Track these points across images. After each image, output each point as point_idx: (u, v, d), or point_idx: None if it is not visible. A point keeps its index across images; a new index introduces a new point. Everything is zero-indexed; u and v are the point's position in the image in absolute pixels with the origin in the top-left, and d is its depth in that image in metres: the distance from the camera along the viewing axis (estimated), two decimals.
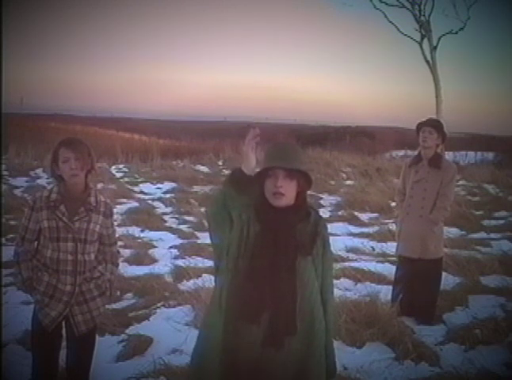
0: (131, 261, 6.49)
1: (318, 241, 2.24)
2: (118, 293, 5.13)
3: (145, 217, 9.25)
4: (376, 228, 8.54)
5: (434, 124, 4.65)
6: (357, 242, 7.53)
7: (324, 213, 10.06)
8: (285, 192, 2.14)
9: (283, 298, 2.15)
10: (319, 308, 2.24)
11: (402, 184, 4.83)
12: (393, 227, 7.83)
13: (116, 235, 3.31)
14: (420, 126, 4.63)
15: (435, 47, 19.40)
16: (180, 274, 5.78)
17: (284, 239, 2.16)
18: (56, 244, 2.86)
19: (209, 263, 6.25)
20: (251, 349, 2.14)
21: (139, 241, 7.62)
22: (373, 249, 7.15)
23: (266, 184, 2.16)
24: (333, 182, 14.04)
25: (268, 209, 2.16)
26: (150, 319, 4.61)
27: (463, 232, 8.38)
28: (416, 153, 4.92)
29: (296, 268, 2.17)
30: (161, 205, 10.88)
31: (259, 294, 2.13)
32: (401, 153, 23.42)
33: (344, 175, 15.33)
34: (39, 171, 15.18)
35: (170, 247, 7.30)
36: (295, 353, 2.17)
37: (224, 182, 2.23)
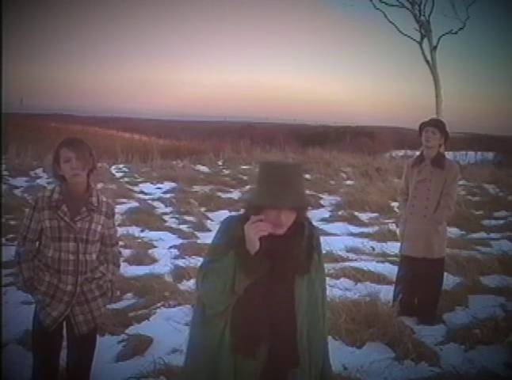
0: (131, 261, 6.50)
1: (314, 255, 2.07)
2: (118, 293, 5.13)
3: (145, 217, 9.25)
4: (376, 228, 8.53)
5: (437, 124, 4.67)
6: (357, 242, 7.53)
7: (324, 213, 10.08)
8: (286, 223, 1.96)
9: (282, 325, 1.96)
10: (315, 330, 2.06)
11: (404, 184, 4.84)
12: (393, 227, 7.85)
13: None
14: (423, 126, 4.64)
15: (435, 47, 19.41)
16: (180, 274, 5.78)
17: (282, 263, 1.97)
18: (58, 244, 2.86)
19: None
20: None
21: (139, 241, 7.62)
22: (373, 249, 7.15)
23: (266, 213, 1.93)
24: (333, 182, 14.04)
25: (264, 235, 1.94)
26: (150, 319, 4.61)
27: (463, 232, 8.38)
28: (418, 153, 4.93)
29: (295, 291, 1.99)
30: (161, 205, 10.88)
31: (254, 324, 1.94)
32: (401, 153, 23.46)
33: (344, 175, 15.32)
34: (39, 171, 15.18)
35: (170, 247, 7.31)
36: None
37: (229, 263, 1.91)
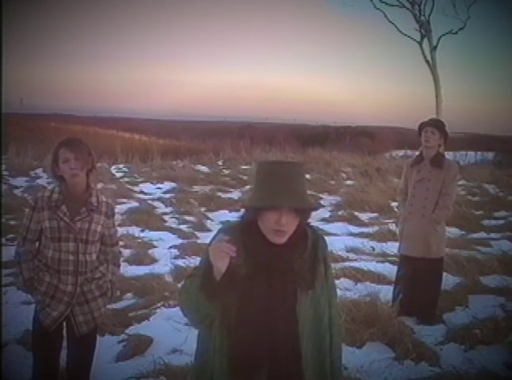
0: (131, 261, 6.50)
1: (319, 268, 1.86)
2: (118, 293, 5.13)
3: (145, 217, 9.25)
4: (376, 228, 8.53)
5: (437, 124, 4.68)
6: (357, 242, 7.53)
7: (324, 213, 10.08)
8: (288, 230, 1.75)
9: (284, 350, 1.77)
10: (325, 350, 1.88)
11: (404, 183, 4.84)
12: (393, 227, 7.85)
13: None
14: (422, 126, 4.65)
15: (435, 47, 19.41)
16: (180, 274, 5.78)
17: (282, 279, 1.77)
18: (57, 244, 2.86)
19: None
20: None
21: (139, 241, 7.62)
22: (373, 249, 7.15)
23: (265, 218, 1.75)
24: (333, 182, 14.04)
25: (263, 246, 1.77)
26: (150, 319, 4.61)
27: (463, 232, 8.38)
28: (417, 153, 4.94)
29: (298, 310, 1.79)
30: (161, 205, 10.88)
31: (252, 347, 1.74)
32: (401, 153, 23.49)
33: (344, 175, 15.32)
34: (39, 171, 15.18)
35: (170, 247, 7.31)
36: None
37: (197, 284, 1.74)
